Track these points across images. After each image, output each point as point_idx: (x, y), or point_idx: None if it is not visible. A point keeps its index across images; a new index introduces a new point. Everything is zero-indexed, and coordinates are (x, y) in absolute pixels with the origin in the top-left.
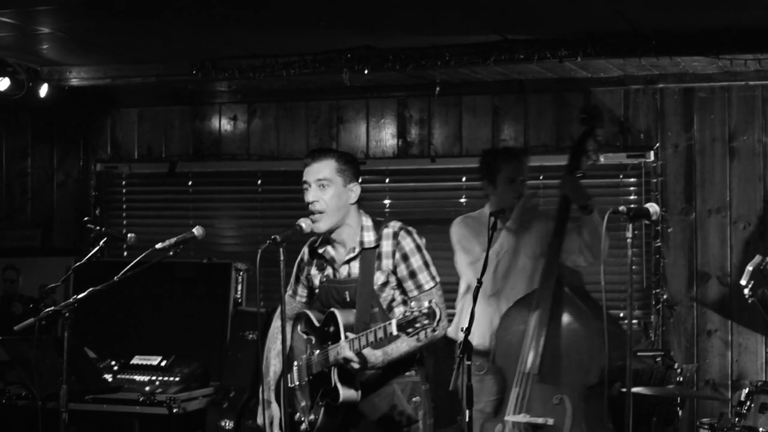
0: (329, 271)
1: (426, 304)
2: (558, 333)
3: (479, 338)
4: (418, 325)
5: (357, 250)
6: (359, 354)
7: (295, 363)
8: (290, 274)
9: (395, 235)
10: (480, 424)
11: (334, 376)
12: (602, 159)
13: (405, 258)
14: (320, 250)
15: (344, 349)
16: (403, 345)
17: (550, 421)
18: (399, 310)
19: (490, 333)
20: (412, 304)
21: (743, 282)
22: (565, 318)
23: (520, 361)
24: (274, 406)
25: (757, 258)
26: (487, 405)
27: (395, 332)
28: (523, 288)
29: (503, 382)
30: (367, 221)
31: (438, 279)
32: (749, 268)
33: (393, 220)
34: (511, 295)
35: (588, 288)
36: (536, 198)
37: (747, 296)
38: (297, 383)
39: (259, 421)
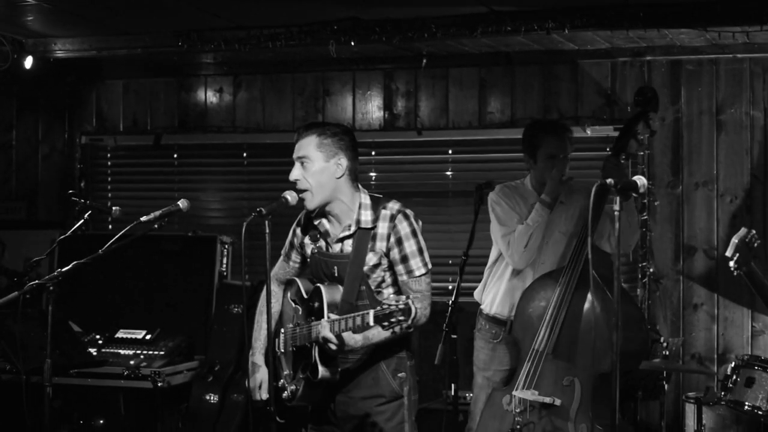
0: (322, 243)
1: (403, 299)
2: (578, 315)
3: (499, 307)
4: (393, 320)
5: (353, 228)
6: (338, 336)
7: (282, 330)
8: (276, 248)
9: (392, 217)
10: (488, 393)
11: (315, 354)
12: (589, 132)
13: (399, 242)
14: (315, 222)
15: (324, 329)
16: (384, 332)
17: (558, 402)
18: (388, 291)
19: (511, 303)
20: (391, 297)
21: (728, 254)
22: (588, 301)
23: (535, 337)
24: (263, 369)
25: (743, 231)
26: (496, 374)
27: (371, 323)
28: (553, 263)
29: (516, 354)
30: (365, 198)
31: (430, 266)
32: (734, 240)
33: (392, 200)
34: (539, 270)
35: None
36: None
37: (732, 269)
38: (282, 350)
39: (248, 384)
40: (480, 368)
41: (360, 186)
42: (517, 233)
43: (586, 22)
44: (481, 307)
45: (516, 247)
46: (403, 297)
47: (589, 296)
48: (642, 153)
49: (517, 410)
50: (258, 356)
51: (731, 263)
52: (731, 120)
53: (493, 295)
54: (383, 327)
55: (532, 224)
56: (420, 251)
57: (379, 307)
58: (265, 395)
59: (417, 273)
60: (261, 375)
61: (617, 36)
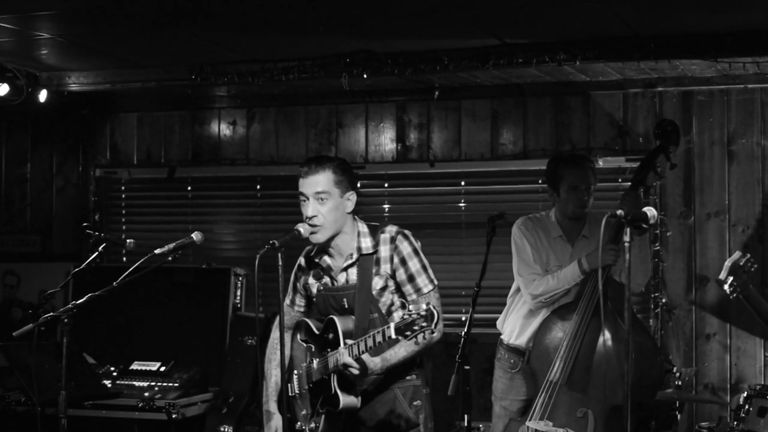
0: (326, 279)
1: (424, 306)
2: (592, 346)
3: (518, 337)
4: (416, 327)
5: (355, 256)
6: (358, 359)
7: (295, 372)
8: (288, 280)
9: (392, 239)
10: (505, 422)
11: (334, 383)
12: (601, 163)
13: (403, 262)
14: (316, 259)
15: (343, 355)
16: (401, 350)
17: None
18: (398, 315)
19: (530, 334)
20: (411, 307)
21: (722, 277)
22: (603, 332)
23: (550, 368)
24: (277, 416)
25: (737, 254)
26: (513, 404)
27: (393, 336)
28: (572, 296)
29: (533, 385)
30: (363, 227)
31: (436, 282)
32: (727, 264)
33: (389, 224)
34: (561, 301)
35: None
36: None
37: (728, 293)
38: (297, 392)
39: None
40: (498, 397)
41: (357, 217)
42: (545, 283)
43: (597, 54)
44: (502, 336)
45: (535, 292)
46: (422, 304)
47: (605, 327)
48: (655, 184)
49: None
50: (271, 404)
51: (726, 287)
52: (742, 150)
53: (513, 325)
54: (405, 337)
55: (562, 284)
56: (424, 268)
57: (399, 319)
58: None
59: (425, 290)
60: (275, 422)
61: (628, 67)
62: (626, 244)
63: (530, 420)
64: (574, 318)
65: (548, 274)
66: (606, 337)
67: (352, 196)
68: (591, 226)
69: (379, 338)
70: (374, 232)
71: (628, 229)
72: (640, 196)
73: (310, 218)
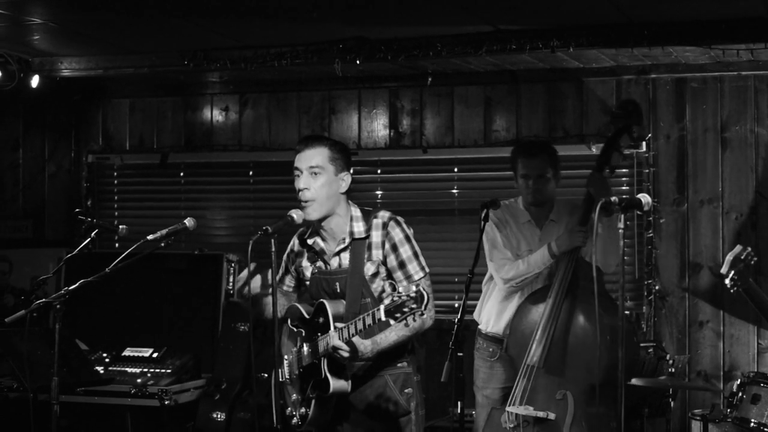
0: (320, 263)
1: (414, 288)
2: (567, 327)
3: (495, 325)
4: (405, 309)
5: (347, 240)
6: (348, 342)
7: (286, 357)
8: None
9: (384, 225)
10: (487, 411)
11: (324, 367)
12: (594, 149)
13: (395, 248)
14: (309, 242)
15: (333, 338)
16: (391, 334)
17: (552, 416)
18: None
19: (506, 321)
20: (400, 289)
21: (723, 271)
22: (577, 314)
23: (527, 352)
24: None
25: (738, 248)
26: (494, 392)
27: (383, 318)
28: (544, 280)
29: (513, 372)
30: (356, 211)
31: (427, 269)
32: (729, 257)
33: (381, 210)
34: (533, 286)
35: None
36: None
37: (729, 286)
38: (288, 377)
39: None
40: (479, 387)
41: (350, 201)
42: (515, 268)
43: (590, 41)
44: (479, 326)
45: (506, 276)
46: (413, 286)
47: (578, 308)
48: (648, 170)
49: (511, 426)
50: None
51: (727, 281)
52: (736, 137)
53: (489, 313)
54: (395, 319)
55: (533, 268)
56: (416, 255)
57: (389, 300)
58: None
59: (416, 277)
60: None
61: (622, 54)
62: (620, 231)
63: (510, 405)
64: (548, 301)
65: (519, 258)
66: (580, 318)
67: (346, 177)
68: (559, 210)
69: (369, 320)
70: (367, 217)
71: (622, 216)
72: (606, 177)
73: (302, 190)
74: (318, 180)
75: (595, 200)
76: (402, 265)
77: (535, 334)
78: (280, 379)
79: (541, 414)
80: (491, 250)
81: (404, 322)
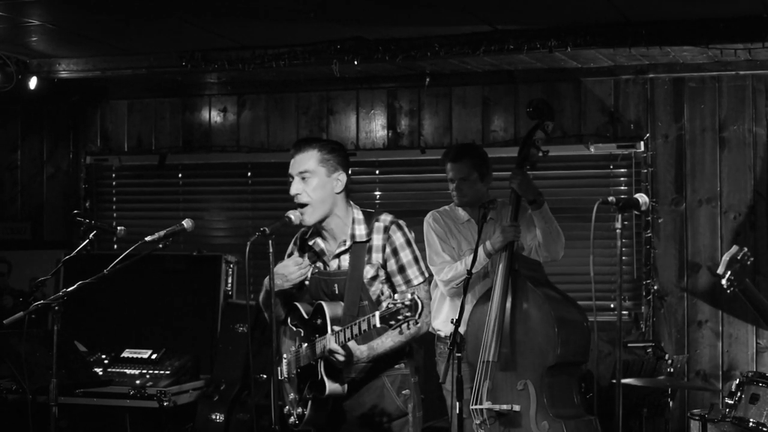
0: (320, 264)
1: (409, 296)
2: (514, 320)
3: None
4: (400, 317)
5: (348, 243)
6: (344, 346)
7: (285, 356)
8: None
9: (386, 229)
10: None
11: (321, 369)
12: (592, 149)
13: (395, 252)
14: (310, 242)
15: (330, 341)
16: (387, 340)
17: (516, 408)
18: (385, 304)
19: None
20: (396, 296)
21: (720, 271)
22: (521, 305)
23: (481, 351)
24: None
25: (734, 248)
26: (465, 392)
27: (378, 324)
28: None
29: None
30: (358, 213)
31: (427, 275)
32: (726, 258)
33: (384, 212)
34: (482, 290)
35: (578, 279)
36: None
37: (726, 287)
38: (286, 376)
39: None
40: (449, 391)
41: (351, 202)
42: (454, 269)
43: (588, 41)
44: (438, 332)
45: (445, 278)
46: (408, 294)
47: (521, 299)
48: (646, 170)
49: (477, 422)
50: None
51: (723, 281)
52: (734, 137)
53: (442, 317)
54: (390, 326)
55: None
56: (416, 260)
57: (384, 307)
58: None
59: (415, 282)
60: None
61: (620, 54)
62: (617, 231)
63: (475, 403)
64: (492, 299)
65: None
66: (523, 308)
67: (341, 177)
68: (499, 208)
69: (364, 326)
70: (369, 220)
71: (619, 216)
72: (527, 173)
73: (295, 196)
74: (309, 184)
75: (520, 196)
76: (402, 269)
77: (486, 332)
78: (279, 377)
79: (505, 407)
80: (430, 254)
81: (398, 329)
